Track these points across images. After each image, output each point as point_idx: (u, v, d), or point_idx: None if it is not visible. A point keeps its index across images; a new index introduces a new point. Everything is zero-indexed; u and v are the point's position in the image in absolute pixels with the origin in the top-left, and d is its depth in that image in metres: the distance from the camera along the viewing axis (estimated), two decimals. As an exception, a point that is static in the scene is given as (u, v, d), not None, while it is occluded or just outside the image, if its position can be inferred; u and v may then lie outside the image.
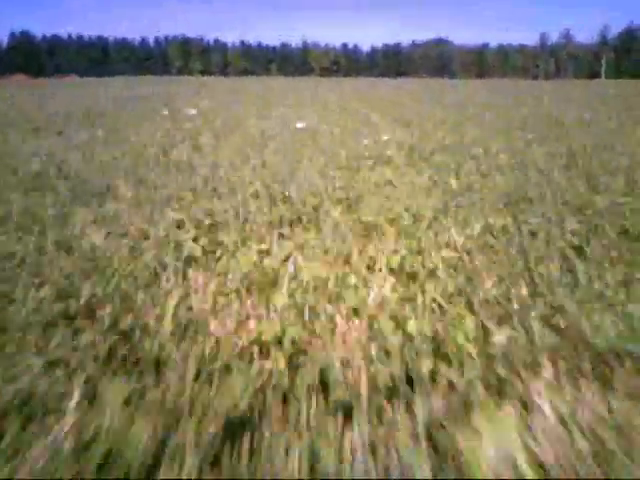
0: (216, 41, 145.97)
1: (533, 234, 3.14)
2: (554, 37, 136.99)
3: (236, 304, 2.23)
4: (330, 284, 2.37)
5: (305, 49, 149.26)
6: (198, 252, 2.82)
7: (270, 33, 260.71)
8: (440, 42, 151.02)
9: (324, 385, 1.68)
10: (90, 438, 1.41)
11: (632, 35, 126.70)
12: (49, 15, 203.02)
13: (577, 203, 3.86)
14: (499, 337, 1.90)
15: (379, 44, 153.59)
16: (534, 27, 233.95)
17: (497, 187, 4.49)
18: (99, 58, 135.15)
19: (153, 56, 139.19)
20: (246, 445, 1.43)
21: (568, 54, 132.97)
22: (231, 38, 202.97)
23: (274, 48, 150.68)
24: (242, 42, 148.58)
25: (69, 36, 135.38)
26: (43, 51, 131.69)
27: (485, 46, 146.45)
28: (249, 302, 2.26)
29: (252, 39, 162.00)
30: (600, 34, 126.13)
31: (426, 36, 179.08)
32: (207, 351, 1.85)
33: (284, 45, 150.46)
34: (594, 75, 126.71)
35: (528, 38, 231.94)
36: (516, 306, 2.17)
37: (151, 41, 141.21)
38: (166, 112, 12.24)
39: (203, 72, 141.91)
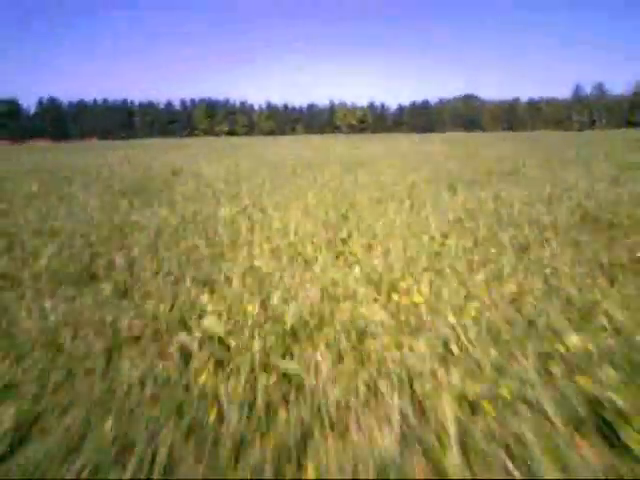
0: (242, 103, 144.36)
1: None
2: (587, 89, 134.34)
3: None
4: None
5: (332, 108, 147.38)
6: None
7: (296, 94, 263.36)
8: (468, 98, 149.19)
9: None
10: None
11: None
12: (76, 82, 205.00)
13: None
14: None
15: (406, 102, 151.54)
16: (563, 82, 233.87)
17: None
18: (124, 121, 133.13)
19: (178, 119, 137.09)
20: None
21: (603, 106, 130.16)
22: (257, 99, 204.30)
23: (300, 109, 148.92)
24: (268, 104, 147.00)
25: (94, 101, 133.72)
26: (69, 116, 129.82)
27: (516, 100, 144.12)
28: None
29: (278, 100, 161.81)
30: (636, 86, 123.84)
31: (454, 93, 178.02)
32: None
33: (311, 105, 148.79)
34: (630, 125, 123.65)
35: (557, 91, 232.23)
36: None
37: (176, 104, 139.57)
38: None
39: (229, 133, 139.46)
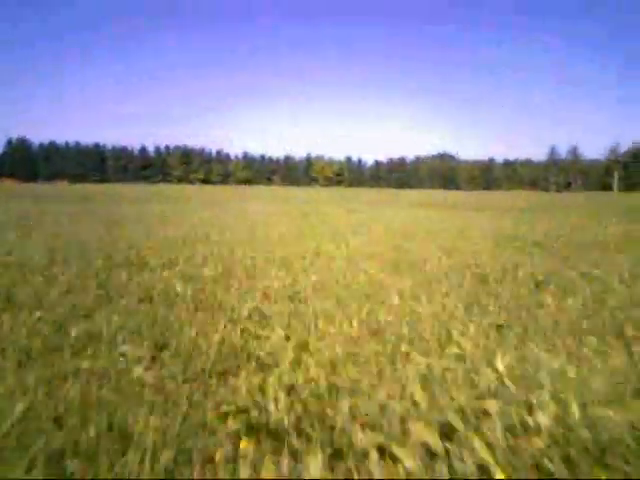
0: (218, 152, 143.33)
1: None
2: (562, 150, 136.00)
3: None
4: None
5: (309, 160, 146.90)
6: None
7: (274, 145, 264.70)
8: (444, 156, 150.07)
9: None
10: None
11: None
12: (47, 123, 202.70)
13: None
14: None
15: (383, 158, 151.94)
16: (540, 141, 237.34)
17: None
18: (96, 165, 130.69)
19: (152, 164, 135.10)
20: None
21: (578, 169, 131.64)
22: (234, 149, 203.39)
23: (277, 160, 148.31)
24: (245, 154, 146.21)
25: (66, 143, 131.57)
26: (39, 157, 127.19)
27: (491, 160, 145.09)
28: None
29: (255, 151, 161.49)
30: (611, 151, 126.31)
31: (430, 150, 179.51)
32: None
33: (288, 157, 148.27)
34: (604, 188, 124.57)
35: (535, 152, 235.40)
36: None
37: (151, 150, 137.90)
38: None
39: (204, 181, 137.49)
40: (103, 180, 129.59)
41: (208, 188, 62.56)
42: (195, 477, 1.77)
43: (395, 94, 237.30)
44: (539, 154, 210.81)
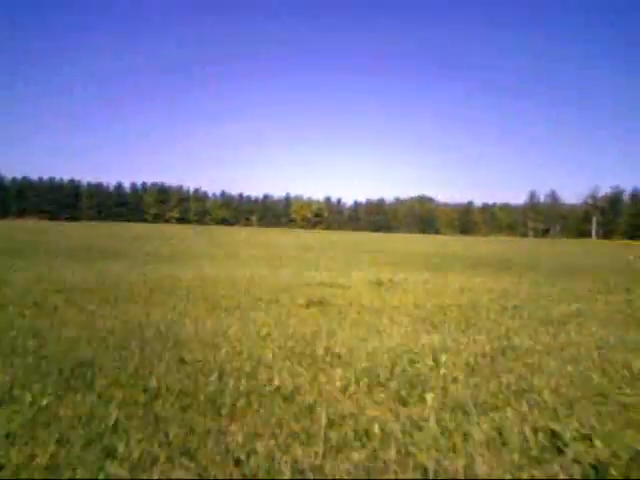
0: (196, 190, 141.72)
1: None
2: (541, 194, 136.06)
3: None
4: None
5: (287, 200, 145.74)
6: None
7: (252, 185, 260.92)
8: (423, 199, 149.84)
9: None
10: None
11: (618, 199, 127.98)
12: (21, 158, 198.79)
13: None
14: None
15: (362, 199, 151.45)
16: (518, 186, 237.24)
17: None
18: (70, 202, 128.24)
19: (128, 202, 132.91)
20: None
21: (557, 215, 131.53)
22: (212, 188, 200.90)
23: (256, 199, 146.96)
24: (223, 192, 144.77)
25: (40, 179, 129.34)
26: (10, 193, 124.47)
27: (470, 204, 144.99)
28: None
29: (234, 190, 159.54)
30: (590, 196, 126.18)
31: (409, 193, 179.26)
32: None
33: (266, 196, 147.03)
34: (583, 234, 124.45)
35: (514, 196, 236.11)
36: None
37: (127, 187, 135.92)
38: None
39: (180, 220, 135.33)
40: (75, 218, 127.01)
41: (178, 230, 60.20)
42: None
43: (375, 136, 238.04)
44: (518, 198, 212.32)
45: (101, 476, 2.30)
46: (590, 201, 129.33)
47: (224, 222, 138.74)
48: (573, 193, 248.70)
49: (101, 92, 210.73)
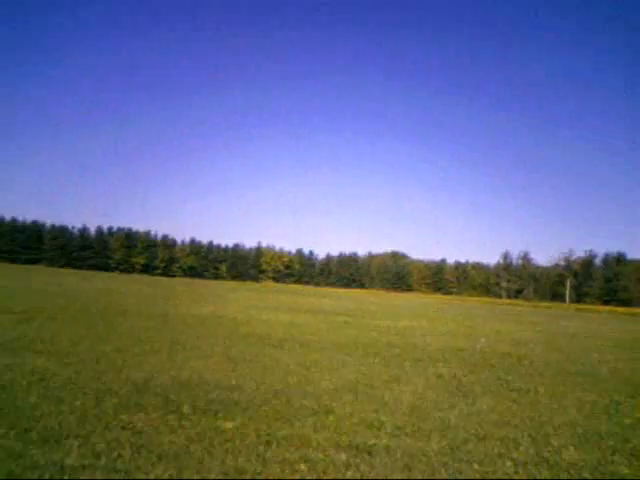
0: (165, 236, 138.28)
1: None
2: (514, 255, 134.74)
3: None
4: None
5: (258, 250, 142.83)
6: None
7: (222, 234, 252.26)
8: (396, 255, 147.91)
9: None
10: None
11: (591, 262, 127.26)
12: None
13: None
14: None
15: (335, 252, 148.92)
16: (491, 246, 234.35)
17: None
18: (31, 244, 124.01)
19: (92, 246, 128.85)
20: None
21: (529, 275, 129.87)
22: (180, 235, 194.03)
23: (226, 248, 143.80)
24: (192, 239, 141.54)
25: (1, 218, 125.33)
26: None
27: (443, 261, 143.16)
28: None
29: (203, 238, 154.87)
30: (563, 259, 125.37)
31: (383, 247, 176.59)
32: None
33: (237, 245, 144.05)
34: (555, 296, 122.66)
35: (486, 256, 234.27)
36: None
37: (92, 230, 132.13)
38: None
39: (145, 266, 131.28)
40: (34, 261, 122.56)
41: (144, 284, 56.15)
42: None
43: (350, 190, 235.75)
44: (490, 258, 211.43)
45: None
46: (563, 264, 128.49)
47: (192, 271, 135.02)
48: (545, 256, 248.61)
49: (68, 134, 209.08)
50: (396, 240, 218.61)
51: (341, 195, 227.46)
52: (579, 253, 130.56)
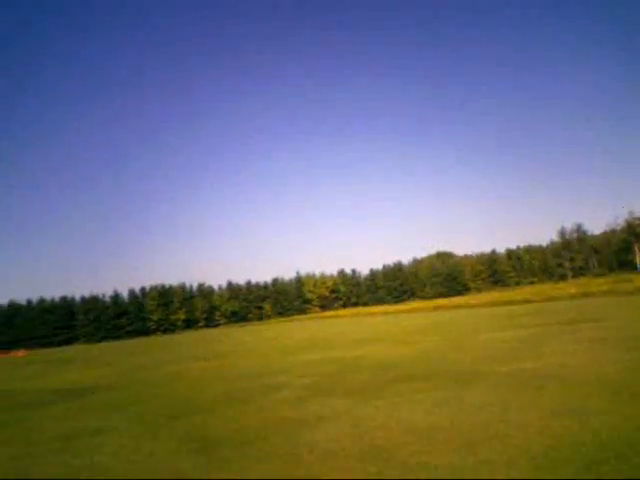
0: (200, 285, 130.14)
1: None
2: (567, 230, 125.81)
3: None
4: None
5: (299, 280, 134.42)
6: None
7: (260, 272, 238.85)
8: (443, 254, 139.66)
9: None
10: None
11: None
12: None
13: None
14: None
15: (378, 266, 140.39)
16: (536, 224, 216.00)
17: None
18: (64, 323, 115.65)
19: (127, 311, 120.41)
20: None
21: (591, 248, 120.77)
22: (217, 281, 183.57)
23: (265, 285, 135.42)
24: (229, 283, 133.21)
25: (28, 302, 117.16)
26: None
27: (493, 252, 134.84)
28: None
29: (240, 278, 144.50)
30: (625, 220, 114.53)
31: (427, 250, 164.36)
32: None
33: (276, 280, 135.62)
34: (624, 264, 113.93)
35: (536, 235, 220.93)
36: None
37: (125, 294, 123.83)
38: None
39: (187, 322, 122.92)
40: (70, 340, 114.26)
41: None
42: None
43: (377, 198, 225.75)
44: (539, 238, 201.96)
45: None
46: (622, 227, 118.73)
47: (235, 316, 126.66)
48: (599, 224, 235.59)
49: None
50: (438, 239, 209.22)
51: (369, 204, 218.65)
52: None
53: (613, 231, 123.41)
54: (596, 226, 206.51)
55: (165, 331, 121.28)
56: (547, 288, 73.20)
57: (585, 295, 46.97)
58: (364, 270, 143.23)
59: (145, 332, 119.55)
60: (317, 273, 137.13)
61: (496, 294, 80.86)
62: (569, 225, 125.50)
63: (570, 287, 63.22)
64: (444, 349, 16.01)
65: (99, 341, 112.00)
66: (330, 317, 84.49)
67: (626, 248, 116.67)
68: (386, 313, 69.30)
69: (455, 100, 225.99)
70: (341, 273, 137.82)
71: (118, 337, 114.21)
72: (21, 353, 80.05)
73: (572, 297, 47.66)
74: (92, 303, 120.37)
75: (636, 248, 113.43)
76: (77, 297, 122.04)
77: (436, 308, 62.14)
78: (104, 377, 20.34)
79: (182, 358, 27.36)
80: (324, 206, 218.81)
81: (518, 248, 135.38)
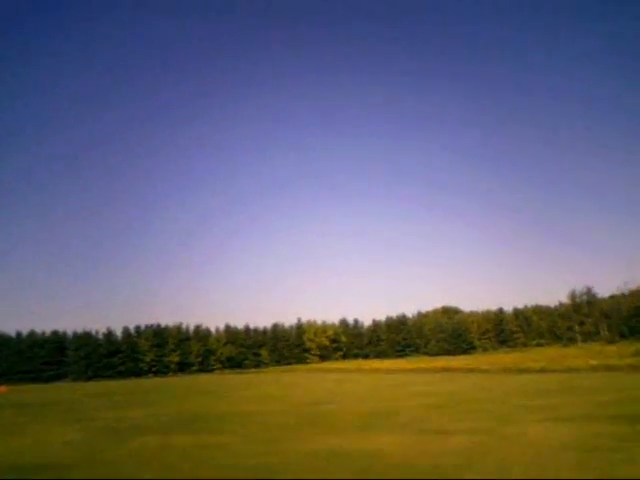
0: (197, 327, 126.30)
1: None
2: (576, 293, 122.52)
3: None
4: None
5: (300, 328, 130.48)
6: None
7: (258, 313, 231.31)
8: (448, 309, 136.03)
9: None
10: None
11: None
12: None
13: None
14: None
15: (382, 317, 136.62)
16: (546, 285, 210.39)
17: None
18: (53, 358, 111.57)
19: (120, 350, 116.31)
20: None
21: (601, 313, 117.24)
22: (213, 322, 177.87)
23: (264, 330, 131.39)
24: (227, 326, 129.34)
25: (17, 334, 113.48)
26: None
27: (500, 311, 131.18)
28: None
29: (238, 321, 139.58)
30: (636, 287, 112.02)
31: (432, 304, 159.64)
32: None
33: (276, 325, 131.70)
34: (635, 332, 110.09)
35: (545, 297, 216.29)
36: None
37: (118, 333, 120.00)
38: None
39: (181, 365, 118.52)
40: (58, 376, 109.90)
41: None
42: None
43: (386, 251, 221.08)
44: (547, 299, 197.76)
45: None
46: (632, 292, 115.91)
47: (231, 362, 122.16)
48: (607, 288, 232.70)
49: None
50: (444, 292, 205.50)
51: (375, 254, 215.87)
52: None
53: (623, 295, 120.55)
54: (606, 289, 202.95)
55: (157, 373, 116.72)
56: (559, 354, 69.77)
57: (608, 368, 43.53)
58: (367, 320, 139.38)
59: (137, 373, 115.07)
60: (318, 321, 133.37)
61: (505, 357, 77.32)
62: (579, 288, 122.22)
63: (585, 354, 60.12)
64: (488, 446, 12.72)
65: (88, 379, 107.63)
66: (332, 370, 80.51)
67: (637, 314, 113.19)
68: (390, 371, 65.60)
69: (466, 148, 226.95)
70: (343, 322, 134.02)
71: (109, 377, 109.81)
72: (1, 389, 75.76)
73: (594, 369, 44.33)
74: (84, 339, 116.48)
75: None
76: (69, 332, 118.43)
77: (444, 369, 58.57)
78: (75, 444, 16.14)
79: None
80: (329, 253, 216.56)
81: (525, 307, 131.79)
